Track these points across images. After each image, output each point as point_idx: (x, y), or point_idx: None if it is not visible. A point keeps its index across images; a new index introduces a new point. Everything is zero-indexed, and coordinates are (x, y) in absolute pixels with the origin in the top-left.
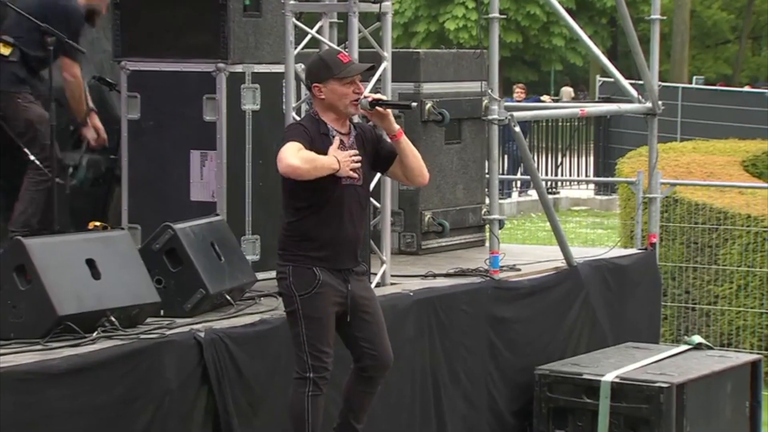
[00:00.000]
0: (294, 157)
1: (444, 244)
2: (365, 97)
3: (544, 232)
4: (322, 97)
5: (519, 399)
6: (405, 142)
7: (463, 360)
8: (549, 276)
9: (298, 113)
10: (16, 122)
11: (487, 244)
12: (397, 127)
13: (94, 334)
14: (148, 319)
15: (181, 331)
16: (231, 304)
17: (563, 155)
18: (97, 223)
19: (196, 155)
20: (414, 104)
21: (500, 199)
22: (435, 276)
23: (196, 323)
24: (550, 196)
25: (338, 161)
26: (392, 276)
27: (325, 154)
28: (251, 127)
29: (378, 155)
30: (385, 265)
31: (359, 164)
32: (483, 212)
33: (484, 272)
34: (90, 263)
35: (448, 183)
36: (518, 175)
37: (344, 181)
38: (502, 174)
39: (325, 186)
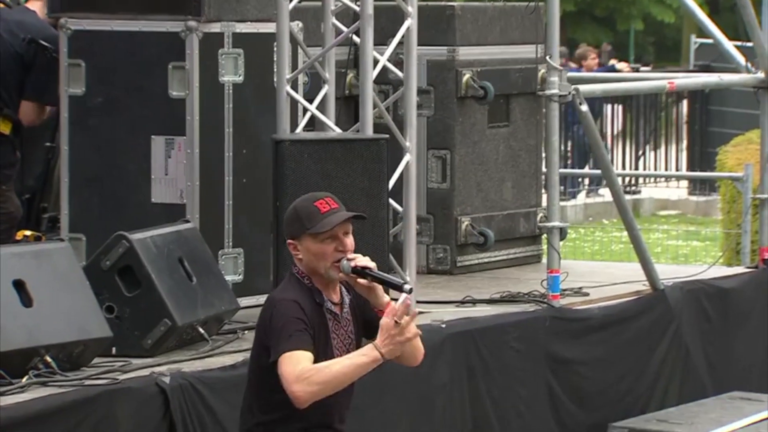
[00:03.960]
0: (298, 385)
1: (487, 260)
2: (349, 260)
3: (621, 244)
4: (300, 256)
5: None
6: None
7: (518, 414)
8: (627, 303)
9: (294, 86)
10: None
11: (545, 260)
12: (386, 300)
13: (24, 380)
14: (96, 360)
15: (140, 375)
16: (205, 340)
17: (646, 143)
18: (27, 233)
19: (159, 143)
20: (408, 288)
21: (562, 200)
22: (475, 302)
23: (160, 365)
24: (629, 197)
25: (377, 348)
26: (418, 302)
27: (326, 333)
28: (232, 105)
29: (363, 315)
30: None
31: (401, 338)
32: (539, 218)
33: (540, 297)
34: (18, 286)
35: (493, 179)
36: (586, 170)
37: None
38: (565, 168)
39: None
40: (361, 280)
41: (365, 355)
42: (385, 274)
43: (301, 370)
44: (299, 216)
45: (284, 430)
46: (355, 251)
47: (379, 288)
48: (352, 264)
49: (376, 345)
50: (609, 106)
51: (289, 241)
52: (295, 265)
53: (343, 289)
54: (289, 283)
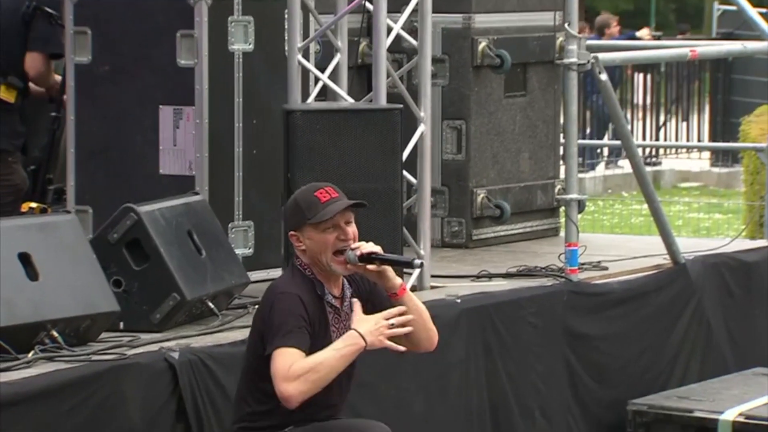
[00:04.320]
0: (290, 384)
1: (503, 233)
2: (353, 249)
3: (641, 217)
4: (303, 248)
5: None
6: (409, 298)
7: (535, 390)
8: (647, 277)
9: (305, 55)
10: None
11: (563, 233)
12: (398, 282)
13: (30, 355)
14: (103, 335)
15: (148, 350)
16: (215, 315)
17: (667, 113)
18: (33, 205)
19: (167, 112)
20: (418, 262)
21: (580, 172)
22: (491, 277)
23: (168, 340)
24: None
25: (363, 337)
26: (433, 277)
27: (326, 327)
28: (242, 74)
29: (372, 309)
30: (423, 263)
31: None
32: (557, 190)
33: (557, 272)
34: (24, 259)
35: (509, 150)
36: (605, 141)
37: None
38: (583, 139)
39: None
40: (371, 266)
41: (352, 345)
42: (393, 255)
43: (292, 370)
44: (300, 207)
45: (277, 420)
46: (370, 225)
47: (390, 271)
48: (358, 253)
49: (363, 334)
50: (640, 75)
51: (291, 232)
52: (298, 257)
53: (345, 282)
54: (291, 274)
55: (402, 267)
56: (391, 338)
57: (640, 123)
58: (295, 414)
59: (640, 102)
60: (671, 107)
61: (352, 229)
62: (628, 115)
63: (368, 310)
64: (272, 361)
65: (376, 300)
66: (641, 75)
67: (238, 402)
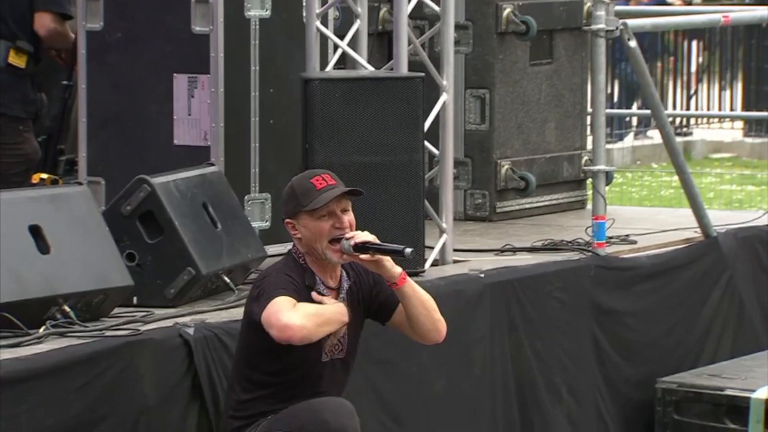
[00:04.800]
0: (293, 313)
1: (528, 206)
2: (348, 239)
3: (671, 189)
4: (298, 236)
5: (634, 423)
6: (410, 288)
7: (562, 368)
8: (677, 251)
9: (324, 22)
10: (9, 158)
11: (590, 205)
12: (398, 271)
13: (41, 330)
14: (116, 310)
15: (163, 326)
16: (231, 290)
17: (698, 81)
18: (44, 176)
19: (181, 81)
20: (409, 251)
21: (608, 143)
22: (515, 251)
23: (183, 315)
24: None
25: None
26: (455, 251)
27: None
28: (258, 41)
29: (373, 302)
30: (445, 236)
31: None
32: (584, 161)
33: (584, 246)
34: (35, 232)
35: (535, 120)
36: (634, 110)
37: (325, 356)
38: (611, 108)
39: (300, 361)
40: (364, 256)
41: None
42: (386, 244)
43: (296, 306)
44: (295, 194)
45: (263, 409)
46: (391, 198)
47: (388, 260)
48: (352, 242)
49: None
50: (659, 40)
51: (287, 220)
52: (294, 246)
53: (344, 274)
54: (284, 261)
55: (396, 256)
56: (398, 326)
57: (671, 92)
58: (282, 404)
59: (693, 70)
60: (702, 75)
61: (349, 218)
62: (659, 83)
63: (374, 300)
64: (267, 312)
65: (381, 291)
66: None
67: (228, 392)
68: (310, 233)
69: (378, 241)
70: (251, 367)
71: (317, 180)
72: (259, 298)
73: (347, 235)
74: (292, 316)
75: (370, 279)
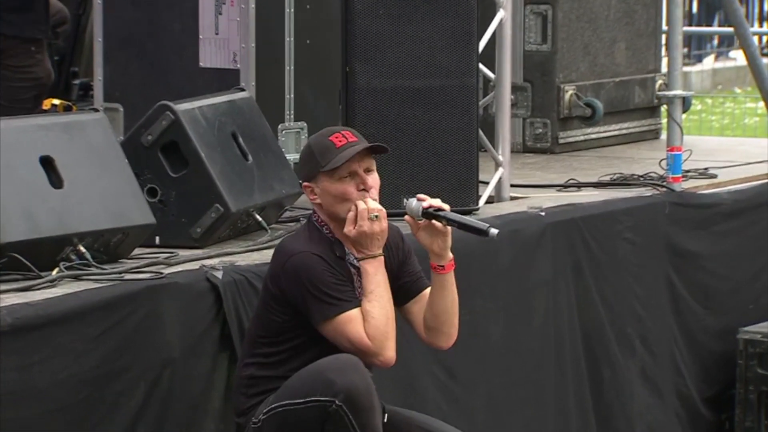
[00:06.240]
0: (386, 343)
1: (594, 136)
2: (419, 200)
3: (755, 117)
4: (318, 201)
5: (714, 378)
6: (451, 279)
7: (634, 317)
8: (762, 186)
9: None
10: (18, 81)
11: (664, 136)
12: (450, 256)
13: (54, 273)
14: (137, 251)
15: (188, 268)
16: (263, 229)
17: None
18: (56, 102)
19: None
20: (495, 232)
21: (685, 65)
22: (580, 186)
23: (211, 257)
24: (766, 60)
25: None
26: (513, 186)
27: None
28: None
29: (395, 281)
30: (501, 170)
31: None
32: (658, 86)
33: (658, 180)
34: (46, 164)
35: (602, 40)
36: (715, 27)
37: None
38: (689, 25)
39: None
40: (438, 224)
41: (376, 273)
42: (466, 218)
43: (374, 333)
44: (313, 153)
45: (280, 384)
46: (441, 128)
47: (450, 238)
48: (426, 204)
49: (360, 258)
50: None
51: (305, 183)
52: (315, 213)
53: None
54: (306, 231)
55: (475, 234)
56: (407, 315)
57: (757, 6)
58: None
59: None
60: None
61: (373, 178)
62: None
63: (396, 279)
64: (337, 332)
65: (407, 271)
66: None
67: (239, 366)
68: (331, 197)
69: (453, 213)
70: (270, 343)
71: (336, 137)
72: (299, 290)
73: (420, 196)
74: (387, 349)
75: (401, 255)
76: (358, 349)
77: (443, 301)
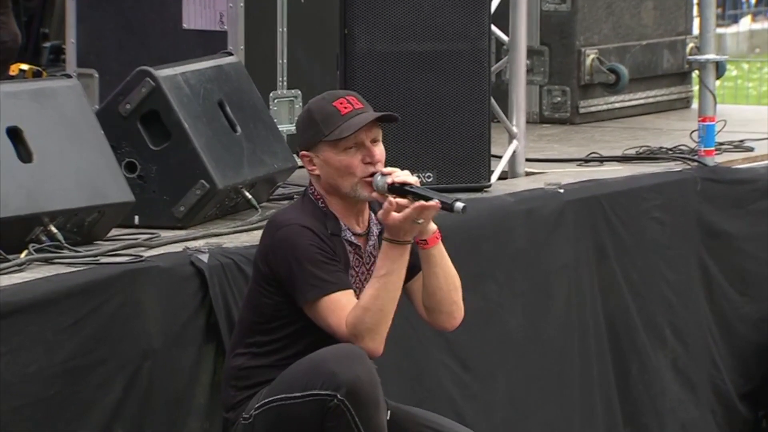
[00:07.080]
0: (373, 336)
1: (619, 105)
2: (383, 175)
3: None
4: (317, 172)
5: (752, 371)
6: (439, 253)
7: (665, 303)
8: None
9: None
10: None
11: (695, 104)
12: (433, 227)
13: (23, 255)
14: (114, 231)
15: (171, 251)
16: (253, 207)
17: None
18: (25, 67)
19: None
20: (461, 206)
21: (719, 26)
22: (603, 160)
23: (195, 238)
24: None
25: (398, 240)
26: (528, 161)
27: (346, 270)
28: None
29: None
30: (516, 143)
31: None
32: (689, 50)
33: (689, 154)
34: (14, 135)
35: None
36: None
37: None
38: None
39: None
40: (401, 200)
41: (396, 259)
42: (432, 191)
43: (353, 322)
44: (314, 120)
45: (275, 376)
46: (450, 95)
47: (426, 211)
48: (389, 180)
49: (386, 239)
50: None
51: (303, 152)
52: (311, 185)
53: (373, 217)
54: (299, 204)
55: (442, 208)
56: (410, 296)
57: None
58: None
59: None
60: None
61: (380, 150)
62: None
63: None
64: (320, 316)
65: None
66: None
67: (228, 357)
68: (333, 169)
69: (420, 186)
70: (263, 330)
71: (341, 103)
72: (287, 267)
73: (384, 170)
74: (364, 341)
75: None
76: (338, 336)
77: (435, 279)
